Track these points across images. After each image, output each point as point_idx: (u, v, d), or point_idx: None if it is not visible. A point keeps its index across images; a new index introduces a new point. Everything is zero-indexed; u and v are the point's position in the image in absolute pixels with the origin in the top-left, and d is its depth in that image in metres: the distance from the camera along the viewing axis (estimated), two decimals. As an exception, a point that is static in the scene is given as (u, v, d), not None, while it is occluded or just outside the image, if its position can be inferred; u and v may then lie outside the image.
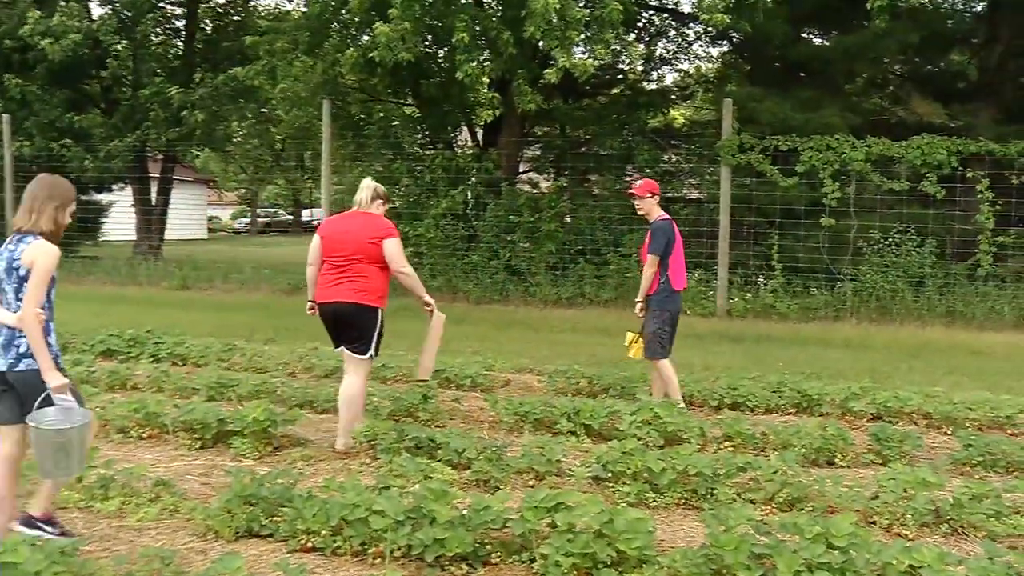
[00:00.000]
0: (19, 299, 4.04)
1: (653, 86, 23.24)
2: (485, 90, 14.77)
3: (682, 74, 25.48)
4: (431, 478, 5.06)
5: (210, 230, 46.53)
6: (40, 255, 4.02)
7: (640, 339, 7.19)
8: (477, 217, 16.23)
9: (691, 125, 23.08)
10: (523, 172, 20.17)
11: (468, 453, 5.50)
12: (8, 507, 4.19)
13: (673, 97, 22.69)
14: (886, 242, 14.06)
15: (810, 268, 14.24)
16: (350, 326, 6.02)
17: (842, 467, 5.86)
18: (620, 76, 21.67)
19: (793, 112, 14.79)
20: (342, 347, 6.15)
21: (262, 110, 22.73)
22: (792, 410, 7.44)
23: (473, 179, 16.85)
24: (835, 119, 14.70)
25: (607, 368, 8.73)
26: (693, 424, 6.18)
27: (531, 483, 5.33)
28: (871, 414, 7.25)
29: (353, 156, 18.18)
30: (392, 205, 6.36)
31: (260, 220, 53.04)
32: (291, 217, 54.72)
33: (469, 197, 16.69)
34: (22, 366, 4.03)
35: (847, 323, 13.04)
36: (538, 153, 21.08)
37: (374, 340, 6.07)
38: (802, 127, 14.40)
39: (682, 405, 6.80)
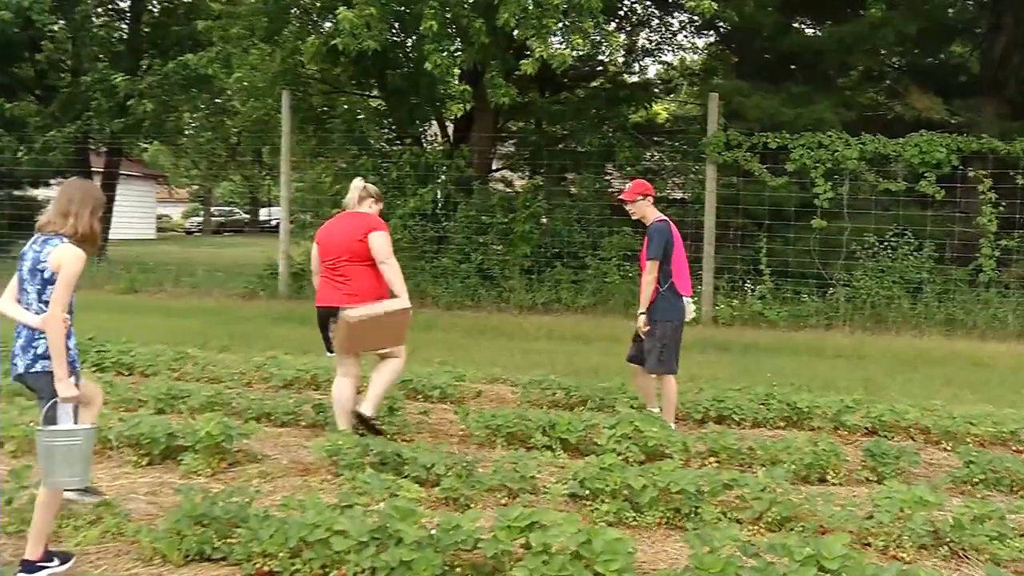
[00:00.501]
0: (41, 301, 4.23)
1: (635, 79, 23.42)
2: (456, 82, 14.76)
3: (666, 66, 25.67)
4: (397, 496, 5.05)
5: (159, 229, 46.12)
6: (68, 259, 4.18)
7: None
8: (447, 217, 16.23)
9: (675, 121, 23.30)
10: (496, 170, 20.20)
11: (437, 469, 5.48)
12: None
13: (656, 91, 22.81)
14: (882, 246, 14.18)
15: (800, 273, 14.33)
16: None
17: (834, 485, 5.88)
18: (600, 68, 21.78)
19: (783, 107, 14.91)
20: (334, 354, 6.32)
21: (216, 101, 22.59)
22: (781, 424, 7.48)
23: (443, 177, 16.84)
24: (828, 115, 14.83)
25: (585, 378, 8.74)
26: (676, 439, 6.19)
27: (504, 501, 5.32)
28: (865, 428, 7.30)
29: (315, 151, 18.13)
30: (382, 207, 6.58)
31: (214, 219, 52.67)
32: (248, 216, 54.48)
33: (439, 196, 16.68)
34: (38, 367, 4.23)
35: (840, 332, 13.13)
36: (512, 150, 21.11)
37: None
38: (792, 123, 14.52)
39: (673, 426, 6.81)
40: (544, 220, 16.85)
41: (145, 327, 11.90)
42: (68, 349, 4.21)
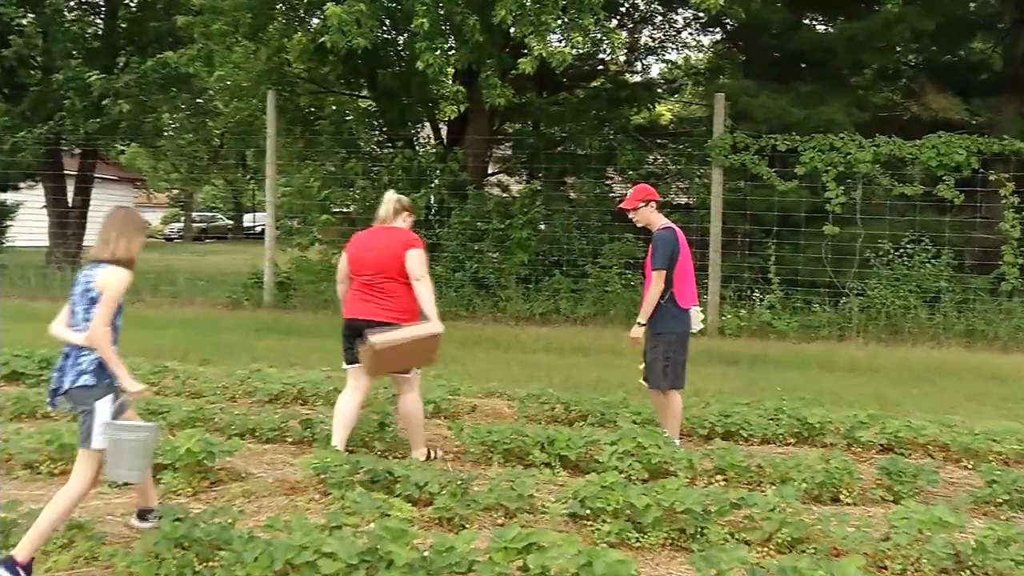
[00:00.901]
0: (87, 320, 4.71)
1: (637, 78, 23.51)
2: (449, 82, 14.78)
3: (669, 65, 25.78)
4: (388, 516, 5.05)
5: (138, 236, 46.11)
6: (112, 279, 4.73)
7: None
8: (440, 224, 16.24)
9: (679, 122, 23.35)
10: (492, 174, 20.21)
11: (430, 487, 5.48)
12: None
13: (659, 91, 22.91)
14: (897, 253, 14.19)
15: (811, 282, 14.34)
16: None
17: (848, 504, 5.88)
18: (600, 67, 21.86)
19: (793, 108, 14.93)
20: (358, 365, 6.46)
21: (197, 101, 22.54)
22: (791, 440, 7.50)
23: (436, 181, 16.84)
24: (840, 116, 14.84)
25: (585, 392, 8.74)
26: (681, 456, 6.20)
27: (500, 521, 5.33)
28: (880, 445, 7.31)
29: (302, 154, 18.14)
30: (414, 219, 6.84)
31: (195, 225, 52.71)
32: (231, 222, 54.48)
33: (432, 201, 16.68)
34: (80, 381, 4.65)
35: (853, 343, 13.15)
36: (509, 153, 21.14)
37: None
38: (803, 124, 14.54)
39: (677, 442, 6.82)
40: (542, 226, 16.85)
41: (122, 339, 11.86)
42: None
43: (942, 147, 13.79)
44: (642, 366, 7.16)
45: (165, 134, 27.02)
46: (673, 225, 7.12)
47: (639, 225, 7.25)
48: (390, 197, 6.79)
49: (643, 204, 7.14)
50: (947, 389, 10.07)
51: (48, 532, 4.53)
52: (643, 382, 7.15)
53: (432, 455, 6.81)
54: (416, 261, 6.41)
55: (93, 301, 4.72)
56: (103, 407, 4.65)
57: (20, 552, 4.40)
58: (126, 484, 5.29)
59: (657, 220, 7.14)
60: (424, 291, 6.36)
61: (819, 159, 14.06)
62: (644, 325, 6.94)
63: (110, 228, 4.88)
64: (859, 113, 15.57)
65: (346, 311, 6.61)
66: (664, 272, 6.87)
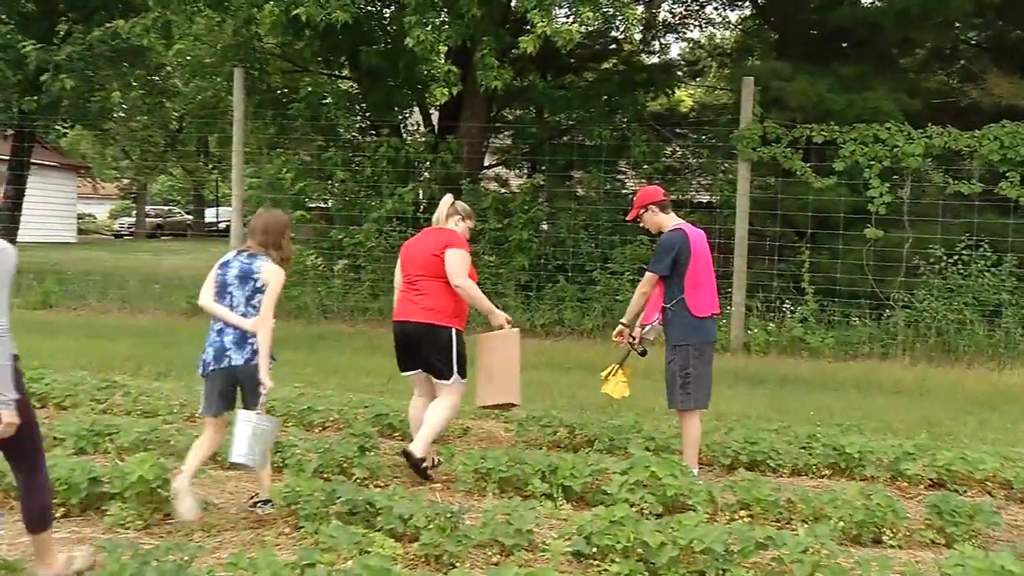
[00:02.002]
0: (249, 305, 5.95)
1: (654, 60, 23.54)
2: (441, 62, 14.83)
3: (691, 45, 25.81)
4: (368, 552, 5.06)
5: (81, 232, 46.03)
6: (275, 276, 5.96)
7: (620, 371, 7.34)
8: (430, 222, 16.24)
9: (701, 110, 23.39)
10: (489, 166, 20.26)
11: (416, 520, 5.48)
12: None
13: (679, 74, 22.95)
14: (951, 260, 14.13)
15: (851, 292, 14.35)
16: (420, 348, 7.02)
17: (892, 547, 5.86)
18: (613, 46, 21.89)
19: (832, 93, 14.93)
20: (413, 372, 7.14)
21: (153, 78, 22.51)
22: (826, 472, 7.50)
23: (426, 174, 16.88)
24: (886, 102, 14.83)
25: (592, 414, 8.75)
26: (700, 488, 6.21)
27: (495, 559, 5.33)
28: (930, 480, 7.30)
29: (273, 141, 18.16)
30: (473, 225, 7.38)
31: (149, 220, 52.61)
32: (190, 218, 54.48)
33: (421, 197, 16.72)
34: (255, 361, 5.86)
35: (898, 362, 13.16)
36: (508, 143, 21.18)
37: (454, 362, 6.98)
38: (843, 113, 14.55)
39: (695, 472, 6.84)
40: (545, 226, 16.88)
41: (63, 350, 11.89)
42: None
43: (1006, 138, 13.72)
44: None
45: (115, 116, 26.92)
46: (685, 226, 7.16)
47: (652, 231, 7.37)
48: (446, 200, 7.44)
49: (644, 210, 7.25)
50: (1009, 417, 10.01)
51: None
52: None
53: (434, 463, 7.14)
54: (455, 261, 6.95)
55: (257, 290, 5.93)
56: (266, 385, 5.84)
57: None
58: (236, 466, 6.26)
59: (667, 222, 7.22)
60: (467, 293, 6.96)
61: (861, 152, 14.04)
62: (627, 326, 7.19)
63: (265, 229, 6.07)
64: (909, 99, 15.47)
65: (394, 314, 7.20)
66: (654, 276, 7.01)
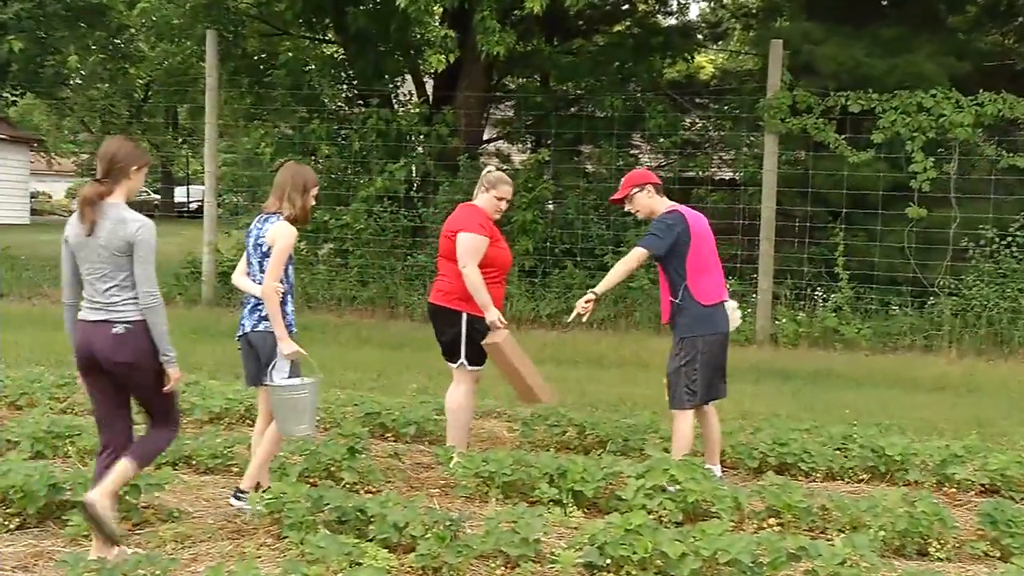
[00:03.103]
0: (263, 271, 6.17)
1: (672, 22, 23.45)
2: (436, 24, 14.80)
3: (712, 4, 25.72)
4: (360, 565, 5.07)
5: (35, 212, 45.90)
6: (280, 235, 6.13)
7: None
8: (425, 202, 16.27)
9: (724, 77, 23.29)
10: (489, 140, 20.26)
11: (412, 529, 5.49)
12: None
13: (700, 37, 22.92)
14: (1003, 242, 14.12)
15: (890, 278, 14.35)
16: (435, 329, 7.50)
17: (939, 560, 5.86)
18: (626, 7, 21.82)
19: (869, 57, 14.85)
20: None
21: (114, 41, 22.41)
22: (864, 476, 7.51)
23: (420, 149, 16.87)
24: (931, 67, 14.71)
25: (604, 413, 8.76)
26: (725, 493, 6.22)
27: (499, 572, 5.35)
28: (982, 486, 7.28)
29: (249, 112, 18.16)
30: (502, 194, 7.56)
31: (112, 201, 52.43)
32: (158, 197, 54.33)
33: (414, 174, 16.73)
34: (262, 327, 6.19)
35: (944, 355, 13.16)
36: (510, 114, 21.14)
37: (462, 345, 7.31)
38: (882, 79, 14.49)
39: (718, 473, 6.85)
40: (551, 206, 16.87)
41: (16, 343, 11.87)
42: (285, 314, 6.16)
43: (1068, 105, 13.67)
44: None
45: (71, 83, 26.74)
46: (681, 208, 7.14)
47: (641, 217, 7.34)
48: (485, 171, 7.75)
49: (638, 189, 7.17)
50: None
51: (269, 457, 6.45)
52: None
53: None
54: (464, 245, 7.20)
55: (264, 255, 6.18)
56: (281, 351, 6.09)
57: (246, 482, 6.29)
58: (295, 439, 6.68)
59: (660, 206, 7.16)
60: (470, 278, 7.13)
61: (903, 123, 13.99)
62: (597, 297, 7.16)
63: (282, 184, 6.30)
64: (957, 63, 15.28)
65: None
66: (643, 251, 6.98)
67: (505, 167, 18.73)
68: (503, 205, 7.57)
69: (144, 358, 5.30)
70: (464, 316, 7.25)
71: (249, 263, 6.36)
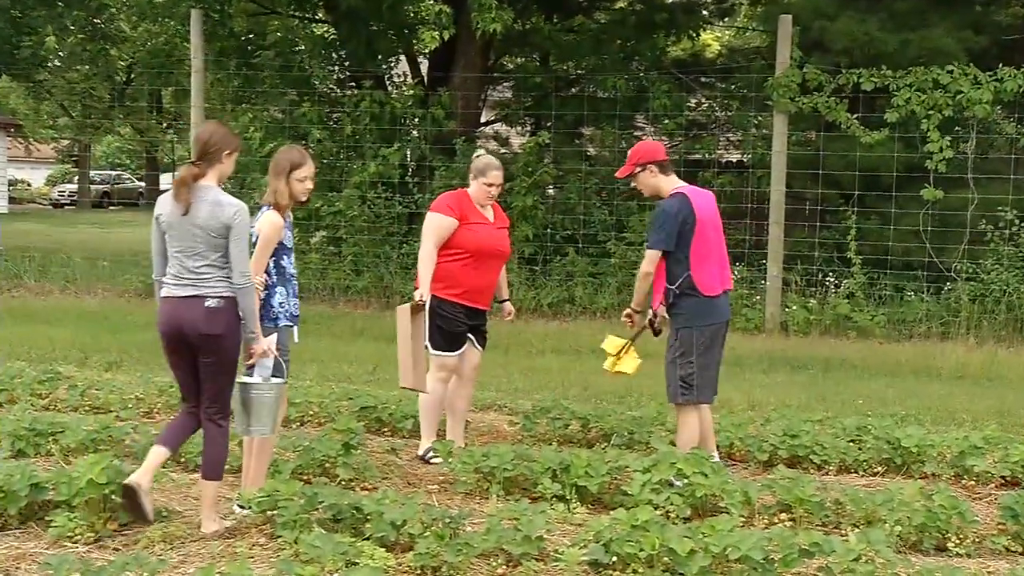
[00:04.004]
0: None
1: (676, -3, 23.40)
2: (431, 1, 14.77)
3: (719, -21, 25.66)
4: (356, 564, 5.08)
5: (13, 200, 45.83)
6: (264, 225, 6.18)
7: (631, 347, 7.27)
8: (421, 187, 16.25)
9: (731, 55, 23.25)
10: (487, 123, 20.22)
11: (410, 527, 5.51)
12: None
13: (705, 14, 22.81)
14: (1023, 224, 14.12)
15: (905, 262, 14.35)
16: None
17: (958, 555, 5.85)
18: (629, -19, 21.78)
19: (883, 32, 14.79)
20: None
21: (95, 22, 22.34)
22: (879, 469, 7.52)
23: (415, 132, 16.85)
24: (948, 41, 14.63)
25: (608, 405, 8.77)
26: (734, 487, 6.24)
27: (500, 571, 5.36)
28: (1002, 478, 7.29)
29: (237, 95, 18.13)
30: (491, 180, 7.66)
31: (94, 188, 52.42)
32: (143, 184, 54.27)
33: (409, 158, 16.70)
34: (266, 322, 6.17)
35: (962, 343, 13.14)
36: (508, 96, 21.10)
37: (426, 329, 7.47)
38: (896, 55, 14.45)
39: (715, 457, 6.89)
40: (552, 191, 16.85)
41: (1, 337, 11.91)
42: (270, 308, 6.24)
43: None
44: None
45: (49, 65, 26.61)
46: (687, 188, 7.12)
47: (647, 194, 7.27)
48: (474, 156, 7.95)
49: (640, 169, 7.12)
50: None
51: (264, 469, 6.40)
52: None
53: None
54: (424, 228, 7.58)
55: (253, 246, 6.11)
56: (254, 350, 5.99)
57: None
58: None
59: (667, 185, 7.11)
60: (420, 257, 7.49)
61: (918, 100, 13.94)
62: (639, 312, 7.16)
63: (271, 166, 6.37)
64: (975, 37, 15.18)
65: None
66: (655, 252, 6.91)
67: (504, 151, 18.74)
68: (493, 191, 7.67)
69: (231, 331, 5.79)
70: (431, 298, 7.42)
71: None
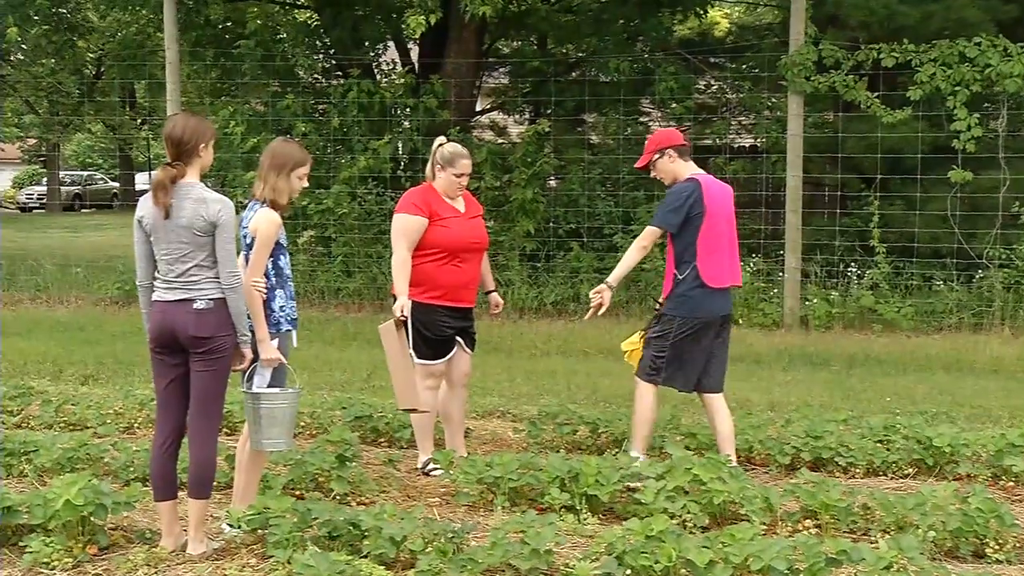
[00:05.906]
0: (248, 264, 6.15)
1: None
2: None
3: (727, -48, 25.69)
4: (353, 584, 5.08)
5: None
6: (261, 223, 6.10)
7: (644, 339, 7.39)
8: (414, 181, 16.22)
9: (741, 33, 23.23)
10: (482, 111, 20.23)
11: (411, 543, 5.51)
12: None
13: (714, -11, 22.85)
14: (1060, 207, 14.07)
15: (933, 250, 14.34)
16: None
17: (998, 562, 5.85)
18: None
19: (904, 4, 14.74)
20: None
21: (60, 11, 22.32)
22: (910, 471, 7.52)
23: (406, 123, 16.85)
24: (974, 11, 14.58)
25: (618, 408, 8.79)
26: (754, 493, 6.24)
27: (508, 588, 5.36)
28: (1043, 479, 7.31)
29: (216, 88, 18.14)
30: (459, 171, 7.56)
31: (65, 189, 52.37)
32: (117, 184, 54.24)
33: (400, 151, 16.70)
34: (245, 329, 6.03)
35: (996, 335, 13.16)
36: (505, 82, 21.11)
37: (408, 334, 7.24)
38: (919, 28, 14.41)
39: (641, 457, 7.05)
40: (553, 183, 16.86)
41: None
42: (272, 312, 6.17)
43: None
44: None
45: (11, 59, 26.61)
46: (703, 176, 7.25)
47: (666, 182, 7.38)
48: (435, 145, 7.66)
49: (659, 155, 7.29)
50: None
51: (254, 483, 6.38)
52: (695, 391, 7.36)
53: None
54: (393, 227, 7.46)
55: (249, 246, 6.15)
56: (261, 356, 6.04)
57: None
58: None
59: (685, 171, 7.27)
60: (393, 263, 7.37)
61: (943, 76, 13.86)
62: (611, 287, 7.26)
63: (261, 165, 6.24)
64: (1004, 6, 15.12)
65: None
66: (656, 230, 7.15)
67: (501, 140, 18.73)
68: (464, 181, 7.61)
69: (223, 334, 5.79)
70: (409, 303, 7.26)
71: (246, 257, 6.26)
